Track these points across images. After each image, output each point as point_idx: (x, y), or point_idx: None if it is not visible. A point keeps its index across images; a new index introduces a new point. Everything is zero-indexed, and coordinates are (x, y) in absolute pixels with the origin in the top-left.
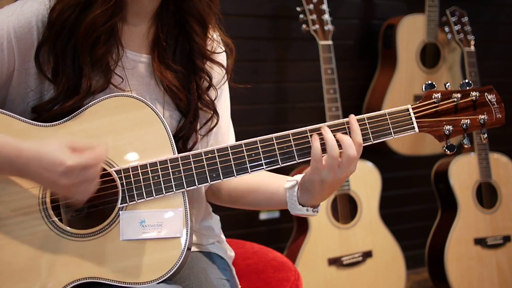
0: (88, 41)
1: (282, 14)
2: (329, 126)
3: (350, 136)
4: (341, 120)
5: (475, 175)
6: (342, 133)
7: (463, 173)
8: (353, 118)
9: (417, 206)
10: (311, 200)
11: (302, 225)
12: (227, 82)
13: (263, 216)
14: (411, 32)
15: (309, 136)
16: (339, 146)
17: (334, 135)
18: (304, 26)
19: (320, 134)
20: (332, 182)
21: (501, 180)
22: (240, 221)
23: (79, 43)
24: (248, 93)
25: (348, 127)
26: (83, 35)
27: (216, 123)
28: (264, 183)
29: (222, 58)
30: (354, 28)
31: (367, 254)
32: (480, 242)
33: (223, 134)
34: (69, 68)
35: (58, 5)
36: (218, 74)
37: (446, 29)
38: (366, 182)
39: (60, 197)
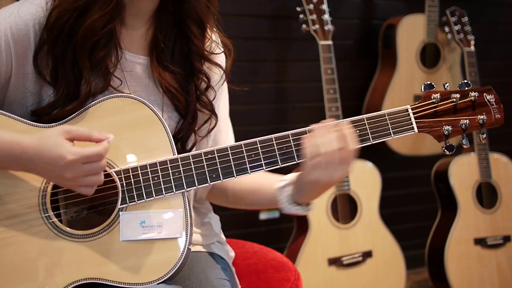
0: (86, 46)
1: (282, 14)
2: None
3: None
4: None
5: (475, 175)
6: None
7: (463, 173)
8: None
9: (417, 206)
10: (304, 198)
11: (302, 225)
12: (226, 83)
13: (263, 216)
14: (411, 32)
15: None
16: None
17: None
18: (304, 26)
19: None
20: (326, 182)
21: (501, 180)
22: (240, 221)
23: (77, 47)
24: (248, 93)
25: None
26: (81, 39)
27: (215, 124)
28: (267, 183)
29: (220, 59)
30: (354, 28)
31: (367, 254)
32: (480, 242)
33: (222, 134)
34: (68, 72)
35: (56, 9)
36: (216, 75)
37: (446, 29)
38: (366, 182)
39: (62, 195)
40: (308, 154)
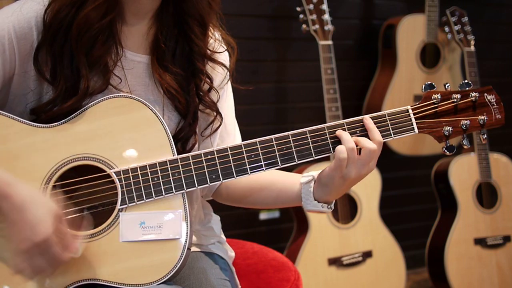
0: (82, 41)
1: (282, 14)
2: (346, 124)
3: (369, 137)
4: (356, 118)
5: (475, 175)
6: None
7: (463, 173)
8: (367, 119)
9: (417, 206)
10: (327, 196)
11: (302, 225)
12: (229, 81)
13: (263, 216)
14: (411, 32)
15: (309, 137)
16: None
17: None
18: (304, 26)
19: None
20: (353, 179)
21: (501, 180)
22: (240, 221)
23: (73, 42)
24: (248, 93)
25: (364, 128)
26: (76, 34)
27: (220, 124)
28: (276, 180)
29: (224, 57)
30: (354, 28)
31: (367, 254)
32: (480, 242)
33: (229, 133)
34: (67, 69)
35: (52, 4)
36: (220, 74)
37: (446, 29)
38: (366, 182)
39: (62, 196)
40: (338, 151)
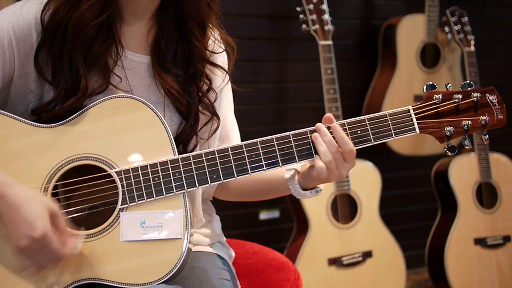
0: (78, 40)
1: (282, 14)
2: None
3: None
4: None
5: (475, 175)
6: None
7: (463, 173)
8: (336, 127)
9: (417, 206)
10: (312, 185)
11: (302, 225)
12: (230, 82)
13: (263, 216)
14: (411, 32)
15: (310, 137)
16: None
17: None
18: (304, 26)
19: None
20: (335, 178)
21: (501, 180)
22: (240, 221)
23: (69, 42)
24: (248, 93)
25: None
26: (72, 34)
27: (218, 126)
28: (267, 176)
29: (223, 58)
30: (354, 28)
31: (367, 254)
32: (480, 242)
33: (228, 134)
34: (66, 69)
35: (51, 6)
36: (219, 77)
37: (446, 29)
38: (366, 182)
39: (63, 195)
40: (320, 156)
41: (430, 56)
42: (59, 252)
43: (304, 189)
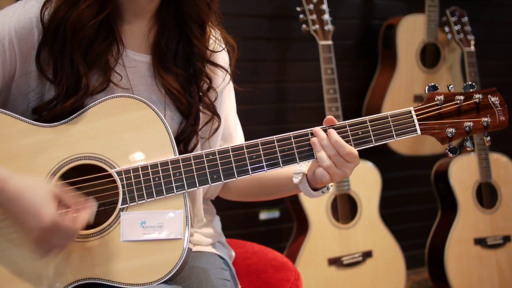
0: (77, 40)
1: (282, 14)
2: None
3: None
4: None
5: (475, 175)
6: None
7: (463, 173)
8: (331, 132)
9: (417, 206)
10: (320, 185)
11: (302, 225)
12: (231, 82)
13: (263, 216)
14: (411, 32)
15: (310, 138)
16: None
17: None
18: (304, 26)
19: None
20: (340, 178)
21: (501, 180)
22: (240, 221)
23: (68, 42)
24: (248, 93)
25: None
26: (70, 33)
27: (218, 125)
28: (274, 175)
29: (223, 57)
30: (354, 28)
31: (367, 254)
32: (480, 242)
33: (231, 133)
34: (67, 68)
35: (52, 3)
36: (219, 76)
37: (446, 29)
38: (366, 182)
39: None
40: (318, 162)
41: (430, 56)
42: (72, 230)
43: (315, 189)
